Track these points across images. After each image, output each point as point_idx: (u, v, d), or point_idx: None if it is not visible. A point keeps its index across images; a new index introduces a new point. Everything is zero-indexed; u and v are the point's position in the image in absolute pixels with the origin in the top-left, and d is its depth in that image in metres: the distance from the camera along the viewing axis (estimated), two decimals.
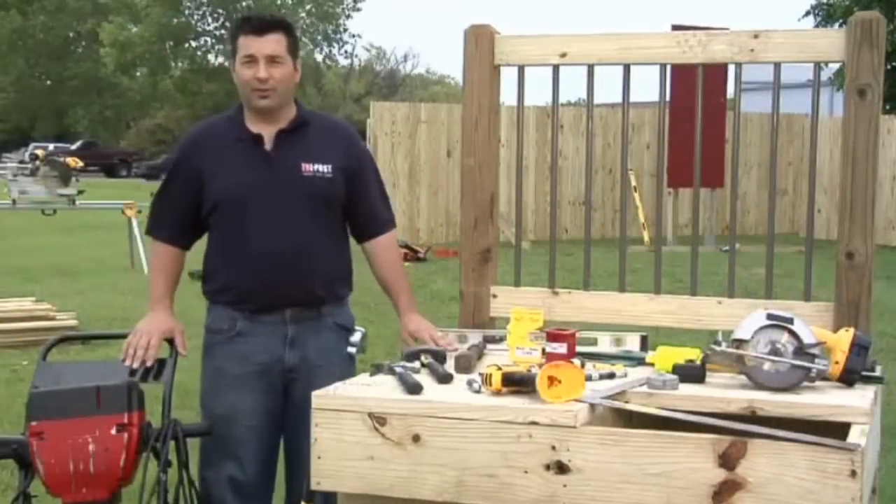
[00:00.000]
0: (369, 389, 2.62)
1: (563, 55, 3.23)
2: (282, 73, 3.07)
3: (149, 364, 3.08)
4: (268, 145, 3.12)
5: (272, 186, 3.09)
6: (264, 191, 3.09)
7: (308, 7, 50.00)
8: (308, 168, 3.11)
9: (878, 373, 2.71)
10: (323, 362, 3.13)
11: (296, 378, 3.13)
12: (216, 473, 3.14)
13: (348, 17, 51.24)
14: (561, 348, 2.78)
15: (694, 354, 2.76)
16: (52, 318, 8.41)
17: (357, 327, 3.25)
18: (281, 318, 3.13)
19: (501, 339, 3.11)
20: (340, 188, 3.17)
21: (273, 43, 3.06)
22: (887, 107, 18.16)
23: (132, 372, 3.06)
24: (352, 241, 3.32)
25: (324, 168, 3.13)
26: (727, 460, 2.26)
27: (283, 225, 3.09)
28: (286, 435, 3.22)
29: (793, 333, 2.57)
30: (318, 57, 50.28)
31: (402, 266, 3.41)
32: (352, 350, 3.20)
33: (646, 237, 15.33)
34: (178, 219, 3.20)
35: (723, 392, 2.55)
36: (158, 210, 3.25)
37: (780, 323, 2.58)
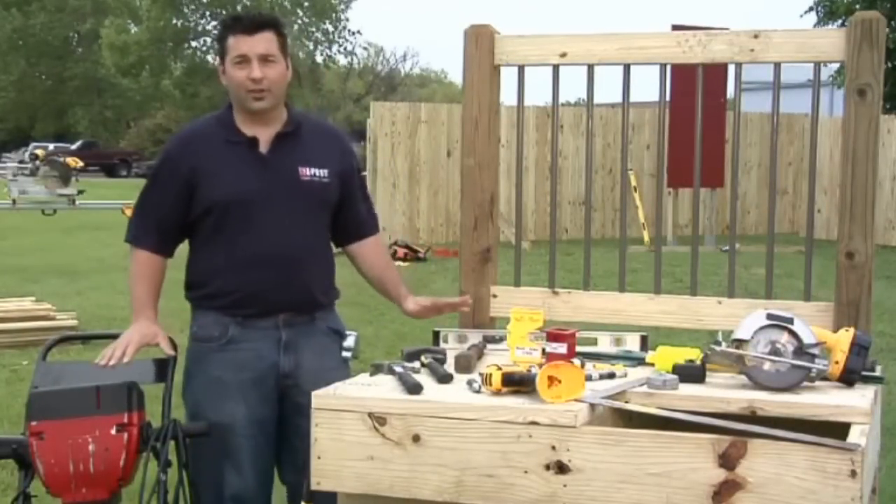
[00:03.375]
0: (369, 389, 2.62)
1: (563, 55, 3.23)
2: (276, 72, 3.00)
3: (127, 360, 2.97)
4: (263, 148, 3.05)
5: (270, 191, 3.02)
6: (262, 195, 3.02)
7: (305, 4, 49.89)
8: (305, 172, 3.06)
9: (878, 373, 2.71)
10: (318, 367, 3.04)
11: (292, 384, 3.07)
12: (214, 482, 3.06)
13: (345, 9, 51.08)
14: (561, 348, 2.78)
15: (694, 354, 2.76)
16: (52, 318, 8.39)
17: (349, 331, 3.19)
18: (274, 324, 3.06)
19: (501, 339, 3.11)
20: (335, 193, 3.14)
21: (265, 42, 2.97)
22: (887, 107, 18.16)
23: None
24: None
25: (321, 172, 3.08)
26: (727, 460, 2.26)
27: (282, 229, 3.03)
28: (283, 439, 3.14)
29: (793, 333, 2.57)
30: (319, 58, 50.20)
31: (394, 264, 3.38)
32: (346, 354, 3.15)
33: (646, 237, 15.31)
34: (164, 225, 3.08)
35: (723, 392, 2.55)
36: (141, 217, 3.12)
37: (780, 323, 2.58)
